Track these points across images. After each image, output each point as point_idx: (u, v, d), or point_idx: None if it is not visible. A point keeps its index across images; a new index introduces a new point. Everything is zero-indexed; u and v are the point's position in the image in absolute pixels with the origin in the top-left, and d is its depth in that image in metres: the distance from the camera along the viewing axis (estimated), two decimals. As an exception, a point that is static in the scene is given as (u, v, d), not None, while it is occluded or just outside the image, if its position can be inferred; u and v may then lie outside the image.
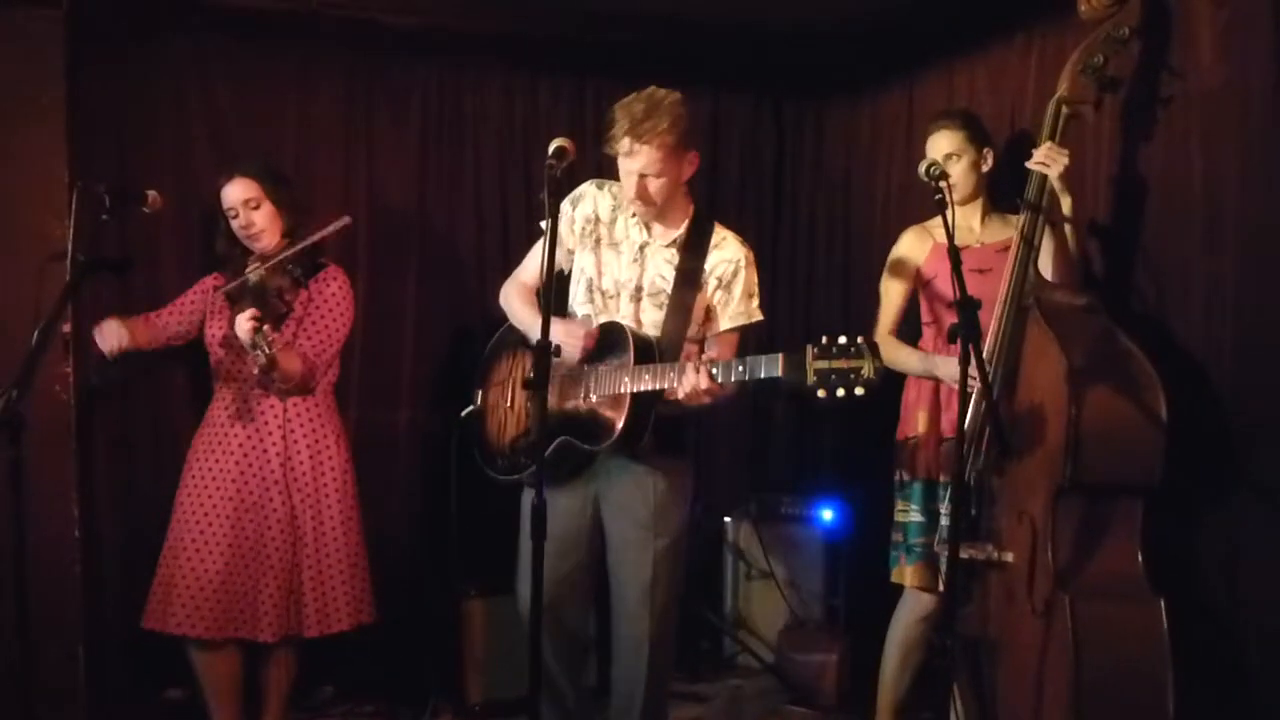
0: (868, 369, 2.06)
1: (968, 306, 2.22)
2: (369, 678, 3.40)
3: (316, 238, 2.85)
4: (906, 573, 2.83)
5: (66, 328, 2.92)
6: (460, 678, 3.31)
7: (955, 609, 2.40)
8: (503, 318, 2.77)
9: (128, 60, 3.23)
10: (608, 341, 2.49)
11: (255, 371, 2.73)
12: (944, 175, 2.43)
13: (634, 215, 2.55)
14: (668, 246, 2.55)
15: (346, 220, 2.87)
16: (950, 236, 2.33)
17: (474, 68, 3.62)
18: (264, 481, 2.86)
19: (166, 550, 2.86)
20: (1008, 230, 2.78)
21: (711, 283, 2.55)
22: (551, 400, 2.43)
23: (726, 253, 2.56)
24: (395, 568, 3.30)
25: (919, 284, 2.89)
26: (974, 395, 2.47)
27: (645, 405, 2.40)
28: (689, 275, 2.52)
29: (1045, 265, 2.64)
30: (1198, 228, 2.58)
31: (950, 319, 2.77)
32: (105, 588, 3.16)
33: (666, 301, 2.52)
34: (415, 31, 3.42)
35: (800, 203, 4.09)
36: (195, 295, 3.03)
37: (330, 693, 3.42)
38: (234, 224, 2.90)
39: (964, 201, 2.82)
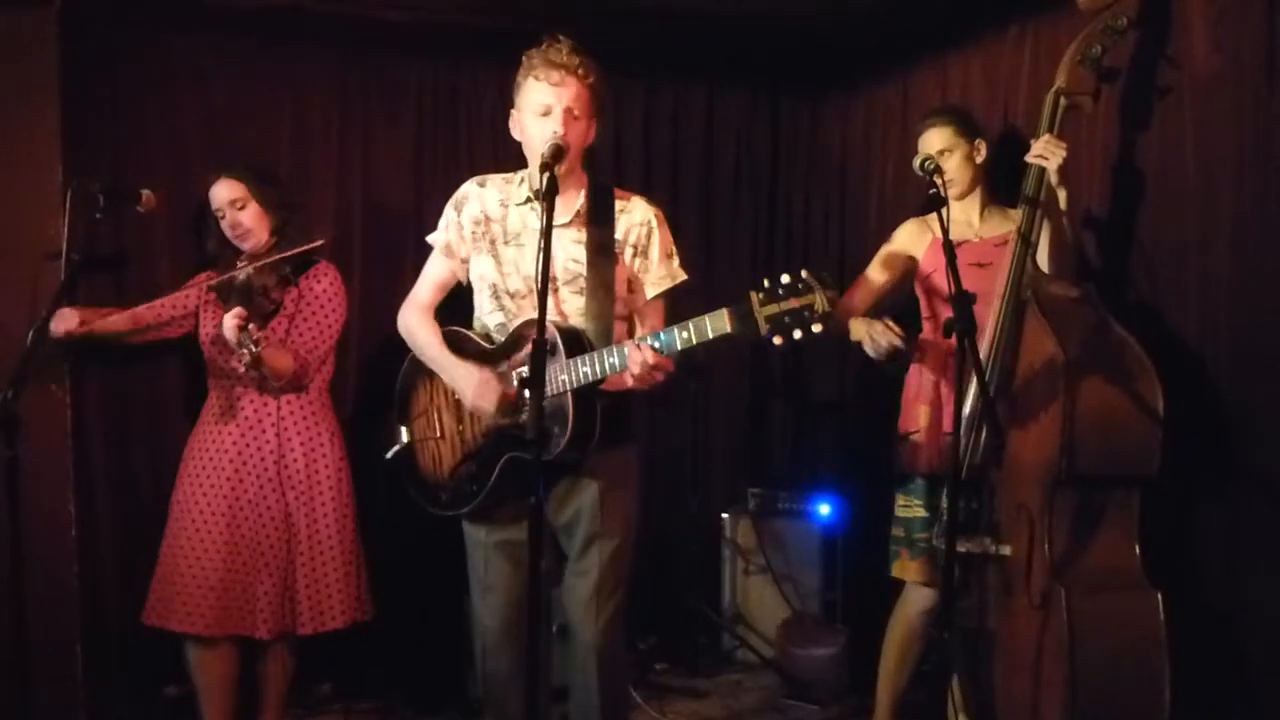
0: (820, 302, 1.92)
1: (963, 301, 2.22)
2: (367, 676, 3.40)
3: (290, 254, 2.84)
4: (910, 568, 2.82)
5: (62, 327, 2.92)
6: (460, 675, 3.32)
7: (953, 602, 2.39)
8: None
9: (121, 59, 3.22)
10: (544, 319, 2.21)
11: (241, 369, 2.73)
12: (938, 170, 2.44)
13: (526, 201, 2.36)
14: (570, 225, 2.35)
15: (320, 242, 2.90)
16: (945, 231, 2.34)
17: (468, 64, 3.61)
18: (259, 479, 2.86)
19: (165, 548, 2.87)
20: (1007, 224, 2.78)
21: (628, 251, 2.38)
22: (486, 419, 2.34)
23: (635, 215, 2.39)
24: (395, 565, 3.30)
25: (917, 278, 2.88)
26: (971, 389, 2.47)
27: (589, 399, 2.24)
28: (601, 248, 2.33)
29: (1041, 257, 2.64)
30: (1193, 217, 2.59)
31: (949, 313, 2.78)
32: (103, 585, 3.16)
33: (585, 286, 2.33)
34: (408, 27, 3.41)
35: (795, 196, 4.09)
36: (190, 291, 3.03)
37: (328, 690, 3.42)
38: (222, 224, 2.91)
39: (961, 195, 2.82)
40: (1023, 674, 2.41)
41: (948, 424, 2.76)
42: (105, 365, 3.20)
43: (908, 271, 2.88)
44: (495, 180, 2.43)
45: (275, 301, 2.86)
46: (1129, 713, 2.32)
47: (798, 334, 1.92)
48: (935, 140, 2.79)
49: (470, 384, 2.34)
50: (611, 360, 2.17)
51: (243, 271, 2.81)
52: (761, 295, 1.95)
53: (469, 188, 2.45)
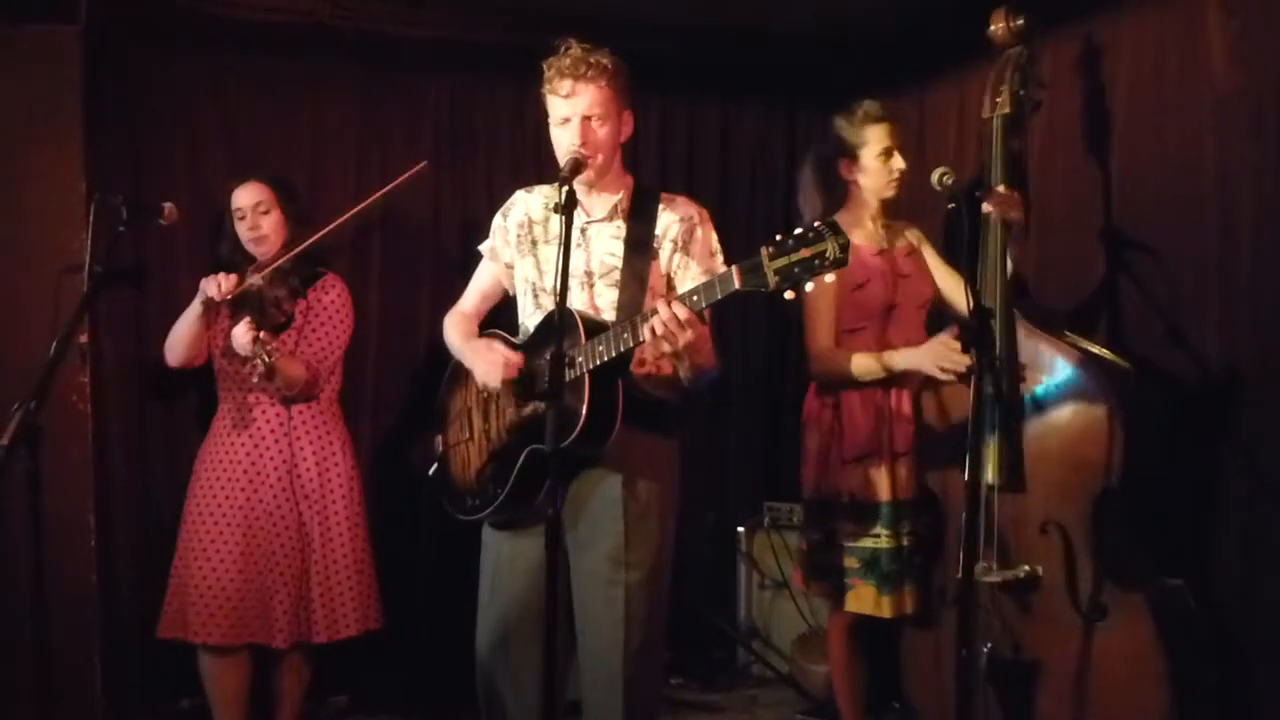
0: (831, 249, 1.83)
1: (982, 316, 2.18)
2: (384, 687, 3.41)
3: (390, 186, 2.98)
4: (884, 603, 2.66)
5: (84, 338, 2.95)
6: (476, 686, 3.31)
7: (974, 625, 2.30)
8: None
9: (144, 74, 3.27)
10: (553, 330, 2.14)
11: (255, 380, 2.75)
12: (958, 182, 2.41)
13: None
14: (609, 220, 2.30)
15: (423, 164, 3.03)
16: (968, 246, 2.31)
17: (485, 79, 3.63)
18: (272, 490, 2.87)
19: (178, 560, 2.88)
20: (903, 236, 2.81)
21: (666, 247, 2.29)
22: (509, 413, 2.31)
23: (677, 212, 2.31)
24: (410, 576, 3.31)
25: (844, 290, 2.70)
26: (981, 405, 2.42)
27: (608, 383, 2.14)
28: (638, 243, 2.27)
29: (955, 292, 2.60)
30: (1212, 233, 2.59)
31: (883, 325, 2.74)
32: (121, 597, 3.18)
33: (619, 279, 2.26)
34: (426, 43, 3.45)
35: (812, 211, 4.09)
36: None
37: (344, 702, 3.43)
38: (239, 226, 2.93)
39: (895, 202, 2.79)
40: (1073, 694, 2.35)
41: (899, 443, 2.69)
42: (125, 377, 3.23)
43: (843, 284, 2.70)
44: (543, 188, 2.43)
45: (286, 314, 2.89)
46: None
47: (809, 285, 1.86)
48: (891, 135, 2.72)
49: (479, 357, 2.32)
50: (625, 335, 2.08)
51: (253, 281, 2.82)
52: (771, 249, 1.89)
53: (517, 194, 2.46)
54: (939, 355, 2.53)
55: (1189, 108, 2.64)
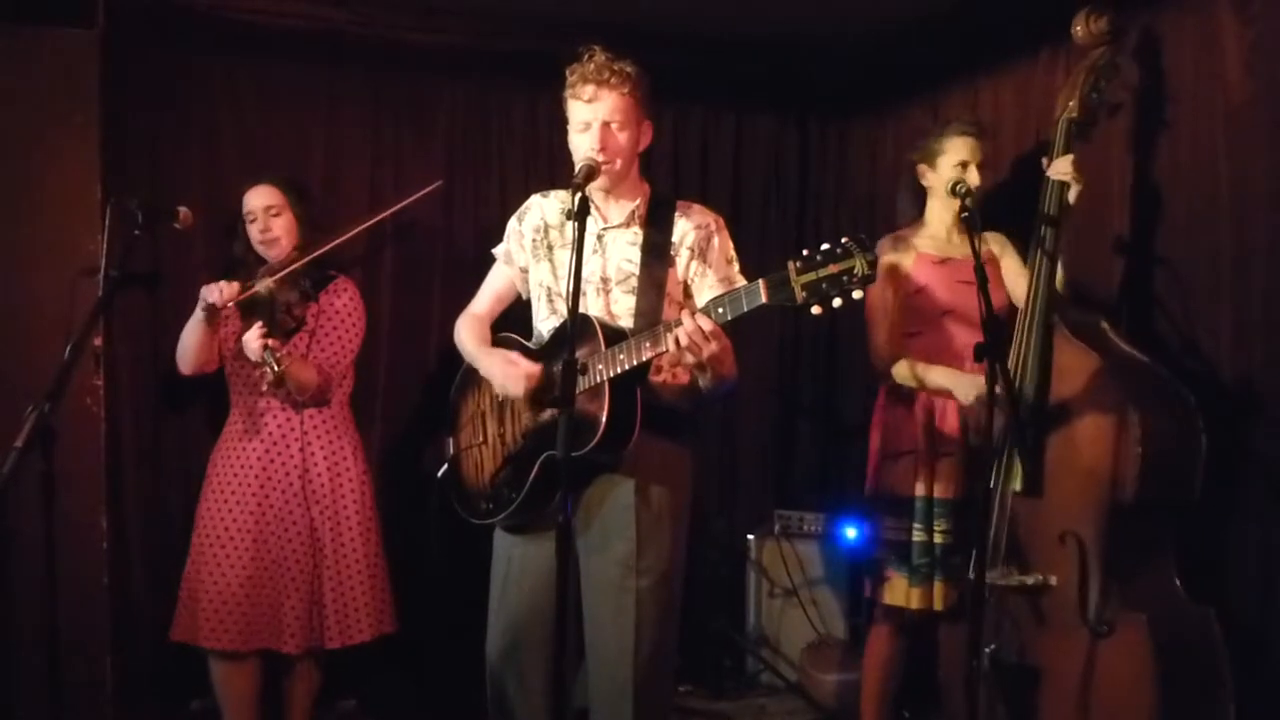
0: (860, 266, 1.83)
1: (994, 325, 2.20)
2: (391, 690, 3.41)
3: (404, 203, 3.01)
4: (913, 595, 2.73)
5: (98, 342, 2.96)
6: (485, 691, 3.31)
7: (981, 632, 2.32)
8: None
9: (160, 79, 3.28)
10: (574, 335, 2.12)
11: (265, 386, 2.76)
12: (970, 193, 2.42)
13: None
14: (626, 227, 2.30)
15: (439, 184, 3.11)
16: (976, 254, 2.32)
17: (499, 86, 3.64)
18: (284, 494, 2.87)
19: (190, 564, 2.89)
20: (983, 243, 2.77)
21: (683, 254, 2.29)
22: (524, 418, 2.31)
23: (695, 219, 2.31)
24: (420, 579, 3.31)
25: (905, 295, 2.81)
26: (1003, 415, 2.44)
27: (627, 391, 2.14)
28: (656, 249, 2.26)
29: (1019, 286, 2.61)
30: (1226, 242, 2.58)
31: (941, 331, 2.77)
32: (133, 598, 3.19)
33: (636, 286, 2.26)
34: (441, 50, 3.46)
35: (824, 220, 4.09)
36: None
37: (352, 706, 3.43)
38: (251, 228, 2.94)
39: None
40: (1076, 705, 2.35)
41: (944, 444, 2.74)
42: (139, 380, 3.24)
43: (903, 288, 2.81)
44: (558, 192, 2.42)
45: (298, 319, 2.89)
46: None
47: (837, 301, 1.86)
48: (973, 150, 2.75)
49: (498, 369, 2.32)
50: (647, 344, 2.09)
51: (264, 285, 2.83)
52: (799, 264, 1.89)
53: (533, 199, 2.46)
54: (971, 388, 2.61)
55: (1203, 116, 2.62)
